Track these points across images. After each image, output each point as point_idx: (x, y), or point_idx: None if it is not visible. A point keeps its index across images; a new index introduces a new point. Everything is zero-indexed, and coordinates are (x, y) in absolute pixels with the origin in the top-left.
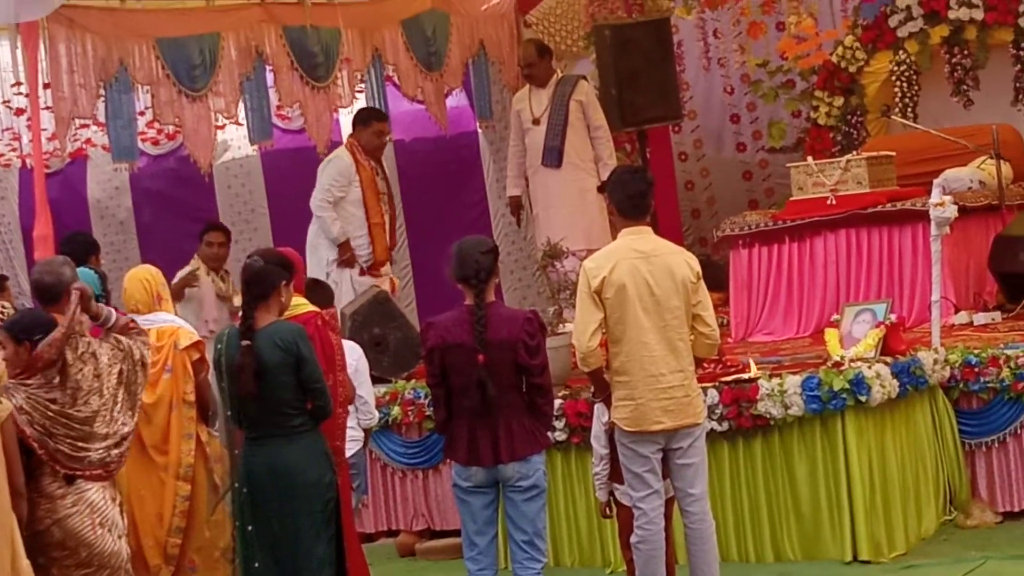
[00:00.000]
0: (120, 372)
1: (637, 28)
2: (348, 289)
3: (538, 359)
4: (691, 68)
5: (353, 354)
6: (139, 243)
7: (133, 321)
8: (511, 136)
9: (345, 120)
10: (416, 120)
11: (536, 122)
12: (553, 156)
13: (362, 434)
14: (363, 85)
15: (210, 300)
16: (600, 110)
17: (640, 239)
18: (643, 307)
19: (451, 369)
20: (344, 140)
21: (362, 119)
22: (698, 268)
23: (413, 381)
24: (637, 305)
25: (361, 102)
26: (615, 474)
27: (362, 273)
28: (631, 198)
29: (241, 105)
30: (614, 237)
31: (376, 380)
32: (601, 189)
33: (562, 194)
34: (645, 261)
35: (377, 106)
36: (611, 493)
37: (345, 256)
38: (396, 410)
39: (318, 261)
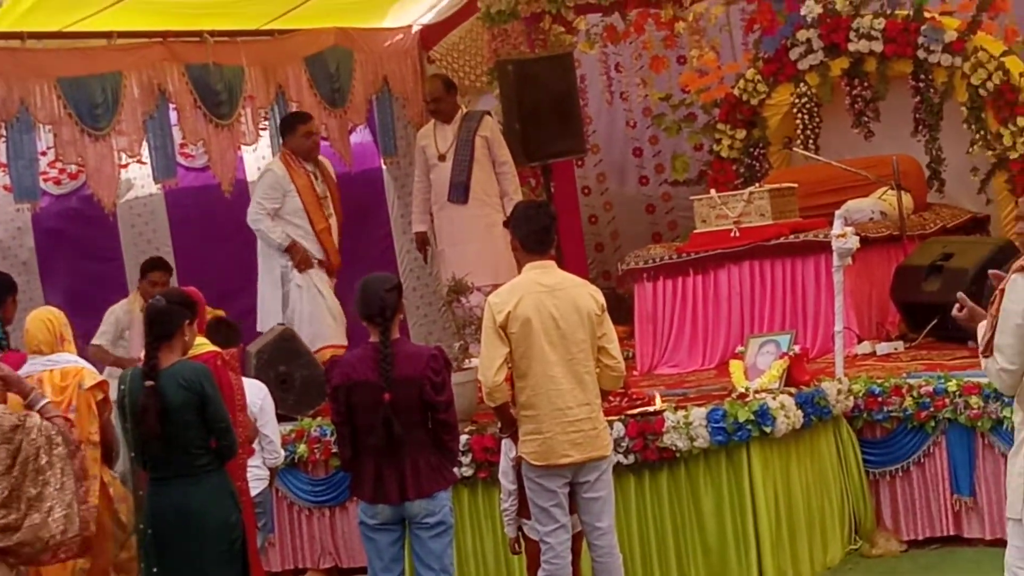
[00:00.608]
0: None
1: (540, 63)
2: (319, 290)
3: (444, 395)
4: (594, 102)
5: (259, 393)
6: (42, 284)
7: (68, 419)
8: (416, 172)
9: (249, 158)
10: None
11: (442, 158)
12: (459, 192)
13: (267, 472)
14: (267, 122)
15: (139, 340)
16: (505, 145)
17: (544, 273)
18: (549, 341)
19: (357, 407)
20: (247, 177)
21: (288, 125)
22: (602, 301)
23: (319, 418)
24: (543, 339)
25: (265, 139)
26: (523, 509)
27: (322, 266)
28: (535, 233)
29: (144, 143)
30: (519, 272)
31: (282, 418)
32: (506, 224)
33: (469, 230)
34: (550, 295)
35: (282, 144)
36: (520, 528)
37: (298, 258)
38: (302, 448)
39: (272, 278)
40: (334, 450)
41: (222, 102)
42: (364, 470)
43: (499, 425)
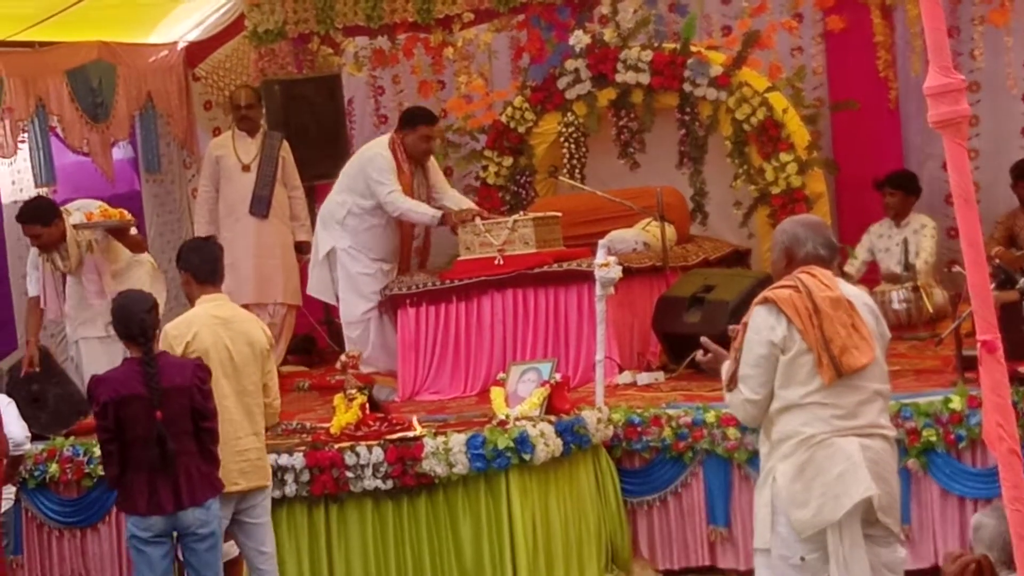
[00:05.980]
0: None
1: (307, 84)
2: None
3: (211, 403)
4: (361, 125)
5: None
6: None
7: None
8: (202, 182)
9: (4, 171)
10: (79, 171)
11: (246, 169)
12: (262, 205)
13: (13, 491)
14: (26, 135)
15: (51, 291)
16: (296, 171)
17: (218, 306)
18: (224, 373)
19: (126, 421)
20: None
21: (408, 120)
22: (271, 337)
23: (72, 438)
24: (219, 370)
25: (24, 152)
26: None
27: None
28: (207, 263)
29: None
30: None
31: (35, 437)
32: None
33: (269, 244)
34: (225, 327)
35: (41, 158)
36: None
37: (454, 222)
38: (54, 467)
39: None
40: (87, 470)
41: None
42: (135, 484)
43: None
